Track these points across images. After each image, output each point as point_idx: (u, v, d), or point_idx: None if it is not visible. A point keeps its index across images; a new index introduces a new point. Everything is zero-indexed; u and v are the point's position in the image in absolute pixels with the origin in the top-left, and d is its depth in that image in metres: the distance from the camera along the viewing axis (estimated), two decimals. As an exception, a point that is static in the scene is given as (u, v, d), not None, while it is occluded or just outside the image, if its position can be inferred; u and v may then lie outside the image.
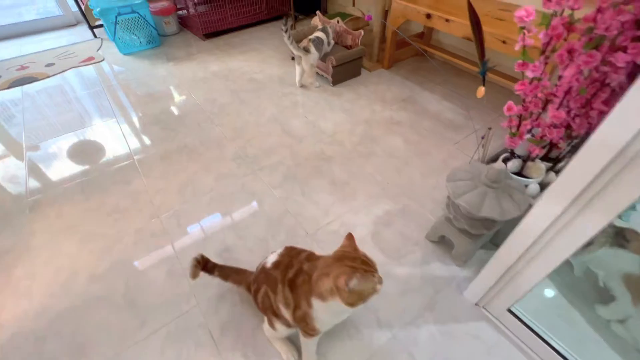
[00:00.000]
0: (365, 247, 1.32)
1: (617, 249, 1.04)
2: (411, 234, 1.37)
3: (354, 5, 2.92)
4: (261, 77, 2.43)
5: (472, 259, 1.27)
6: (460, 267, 1.25)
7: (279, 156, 1.75)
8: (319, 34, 2.17)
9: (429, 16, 1.97)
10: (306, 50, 2.05)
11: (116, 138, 1.91)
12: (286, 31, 1.94)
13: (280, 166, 1.69)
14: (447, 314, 1.12)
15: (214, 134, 1.91)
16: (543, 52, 0.93)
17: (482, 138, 1.22)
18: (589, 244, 0.75)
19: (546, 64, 0.95)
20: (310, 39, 2.07)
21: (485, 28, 1.77)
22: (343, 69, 2.27)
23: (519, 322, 1.01)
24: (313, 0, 3.34)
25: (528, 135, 1.16)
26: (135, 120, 2.05)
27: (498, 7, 1.94)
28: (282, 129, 1.93)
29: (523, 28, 0.88)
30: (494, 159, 1.31)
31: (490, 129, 1.18)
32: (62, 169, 1.71)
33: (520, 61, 0.95)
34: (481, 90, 1.23)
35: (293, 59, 2.62)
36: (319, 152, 1.77)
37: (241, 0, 3.01)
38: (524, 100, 1.05)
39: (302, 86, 2.30)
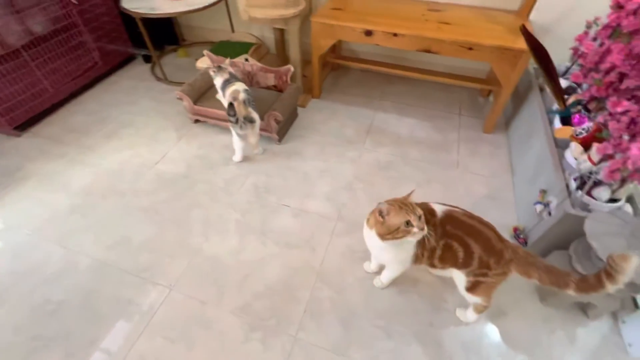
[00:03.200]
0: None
1: None
2: (525, 309, 1.14)
3: (233, 31, 2.27)
4: (172, 168, 1.61)
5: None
6: (594, 320, 1.11)
7: (306, 288, 1.18)
8: (241, 85, 1.52)
9: (368, 33, 1.64)
10: (250, 120, 1.42)
11: None
12: (236, 121, 1.28)
13: (321, 305, 1.13)
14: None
15: (185, 311, 1.13)
16: None
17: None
18: None
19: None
20: (243, 101, 1.42)
21: (437, 35, 1.60)
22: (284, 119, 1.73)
23: None
24: (163, 30, 2.47)
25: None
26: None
27: (427, 7, 1.78)
28: (273, 241, 1.32)
29: None
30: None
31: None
32: None
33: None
34: (567, 131, 1.03)
35: (197, 121, 1.87)
36: (346, 253, 1.29)
37: (58, 55, 1.90)
38: (619, 137, 0.91)
39: (242, 160, 1.65)
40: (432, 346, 1.05)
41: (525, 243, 1.29)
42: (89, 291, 1.17)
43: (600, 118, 1.15)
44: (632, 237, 0.89)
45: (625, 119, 0.98)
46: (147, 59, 2.39)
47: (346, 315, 1.11)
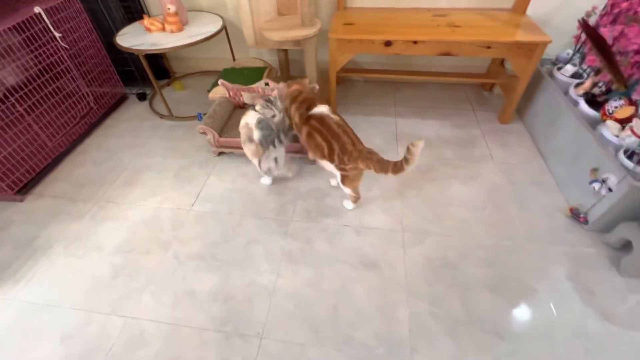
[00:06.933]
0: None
1: None
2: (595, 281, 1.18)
3: (234, 59, 2.20)
4: (212, 207, 1.50)
5: None
6: None
7: (401, 306, 1.13)
8: (252, 117, 1.40)
9: (388, 44, 1.67)
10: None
11: None
12: (280, 111, 1.33)
13: (424, 321, 1.09)
14: None
15: (287, 359, 1.03)
16: None
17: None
18: None
19: None
20: (259, 142, 1.36)
21: (454, 37, 1.66)
22: (315, 138, 1.69)
23: None
24: (152, 65, 2.34)
25: None
26: None
27: (433, 13, 1.86)
28: (348, 264, 1.26)
29: None
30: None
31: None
32: None
33: None
34: (628, 110, 1.10)
35: (221, 154, 1.77)
36: (425, 264, 1.26)
37: (55, 104, 1.72)
38: None
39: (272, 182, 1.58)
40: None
41: (586, 222, 1.35)
42: (168, 360, 1.04)
43: (634, 95, 1.25)
44: None
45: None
46: (142, 97, 2.25)
47: (451, 324, 1.09)
